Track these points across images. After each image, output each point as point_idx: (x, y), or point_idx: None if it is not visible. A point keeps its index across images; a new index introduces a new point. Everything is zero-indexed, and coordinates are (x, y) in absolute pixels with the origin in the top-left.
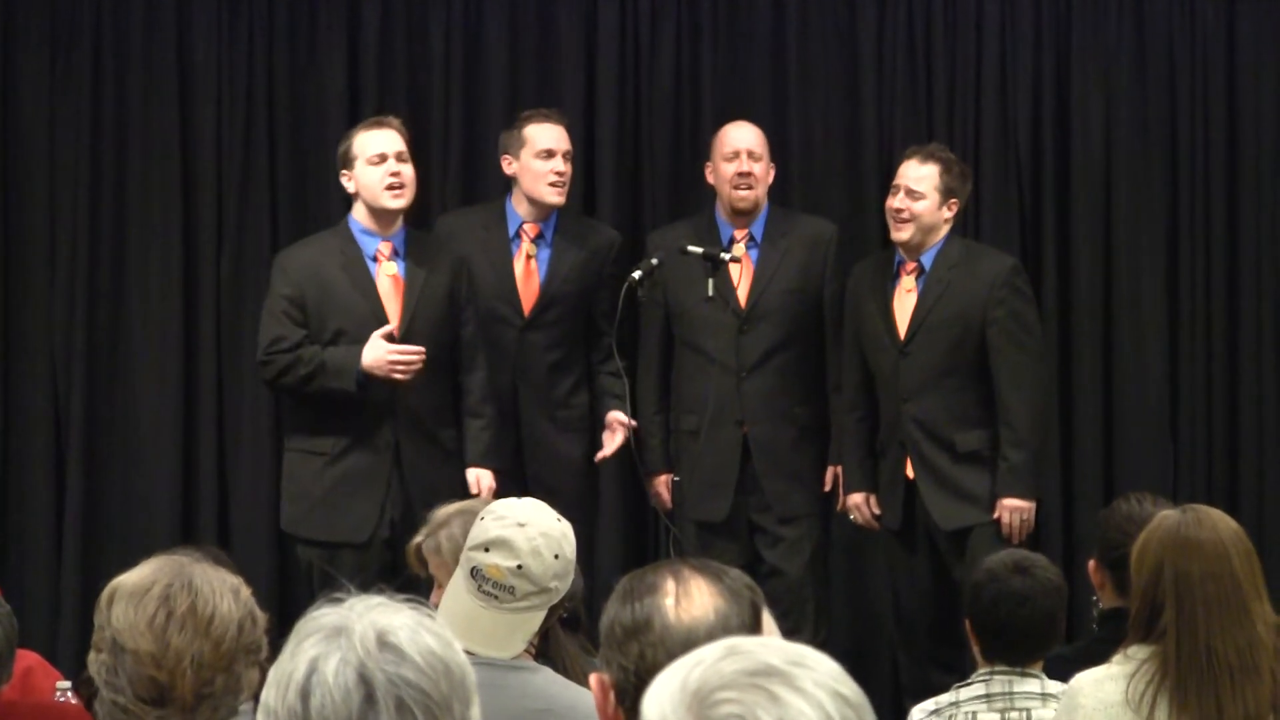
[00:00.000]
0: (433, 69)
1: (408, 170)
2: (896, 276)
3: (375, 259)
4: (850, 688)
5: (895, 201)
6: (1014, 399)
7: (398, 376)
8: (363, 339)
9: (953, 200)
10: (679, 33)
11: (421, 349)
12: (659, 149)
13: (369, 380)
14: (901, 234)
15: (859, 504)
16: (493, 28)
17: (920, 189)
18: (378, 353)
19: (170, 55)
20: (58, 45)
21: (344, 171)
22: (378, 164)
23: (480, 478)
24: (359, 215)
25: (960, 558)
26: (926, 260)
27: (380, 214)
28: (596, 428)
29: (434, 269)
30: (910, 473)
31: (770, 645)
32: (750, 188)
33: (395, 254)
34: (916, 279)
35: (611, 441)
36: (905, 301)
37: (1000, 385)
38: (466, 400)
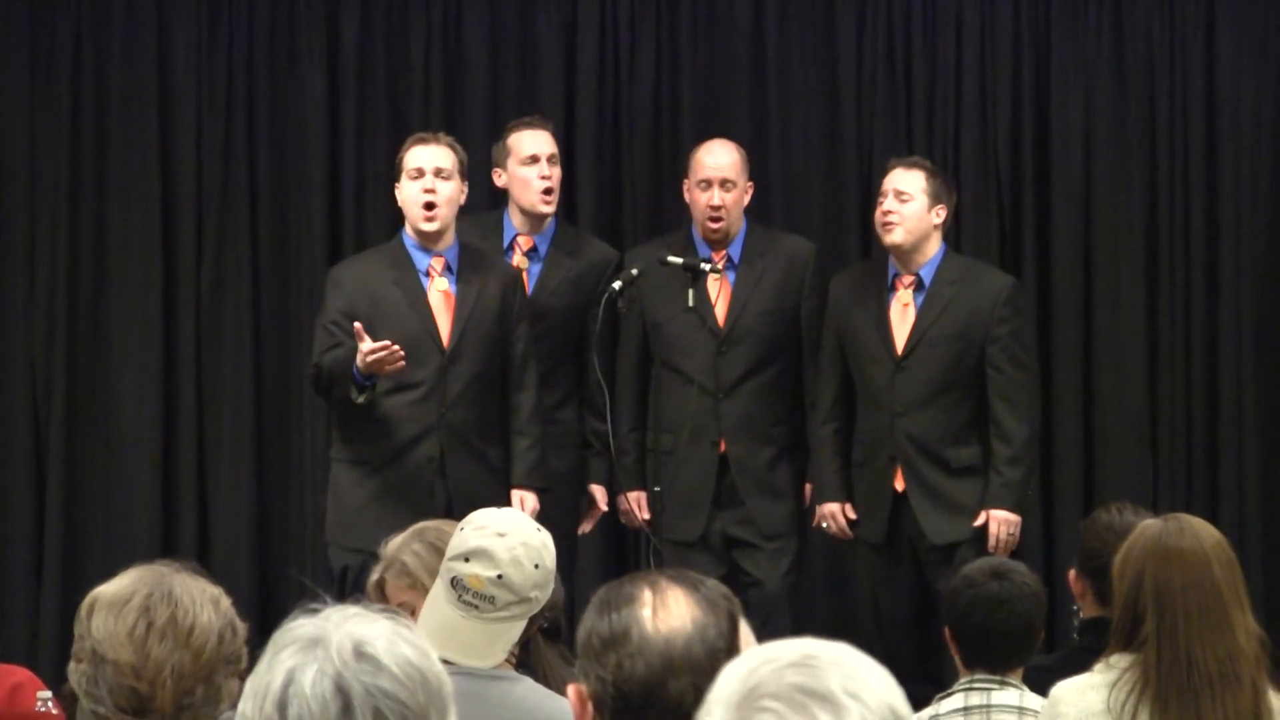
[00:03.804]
0: (412, 81)
1: (445, 187)
2: (892, 289)
3: (427, 274)
4: None
5: (884, 205)
6: (1011, 417)
7: (389, 369)
8: (416, 355)
9: (940, 206)
10: (658, 47)
11: (387, 343)
12: (639, 163)
13: (375, 385)
14: (891, 236)
15: (834, 513)
16: (472, 39)
17: (909, 190)
18: (359, 357)
19: (150, 65)
20: (37, 56)
21: (395, 185)
22: (416, 179)
23: (524, 499)
24: (409, 231)
25: (945, 571)
26: (926, 274)
27: (424, 233)
28: (584, 443)
29: (486, 285)
30: (900, 485)
31: (845, 665)
32: (721, 219)
33: (447, 269)
34: (914, 293)
35: (591, 518)
36: (903, 316)
37: (998, 403)
38: (514, 418)
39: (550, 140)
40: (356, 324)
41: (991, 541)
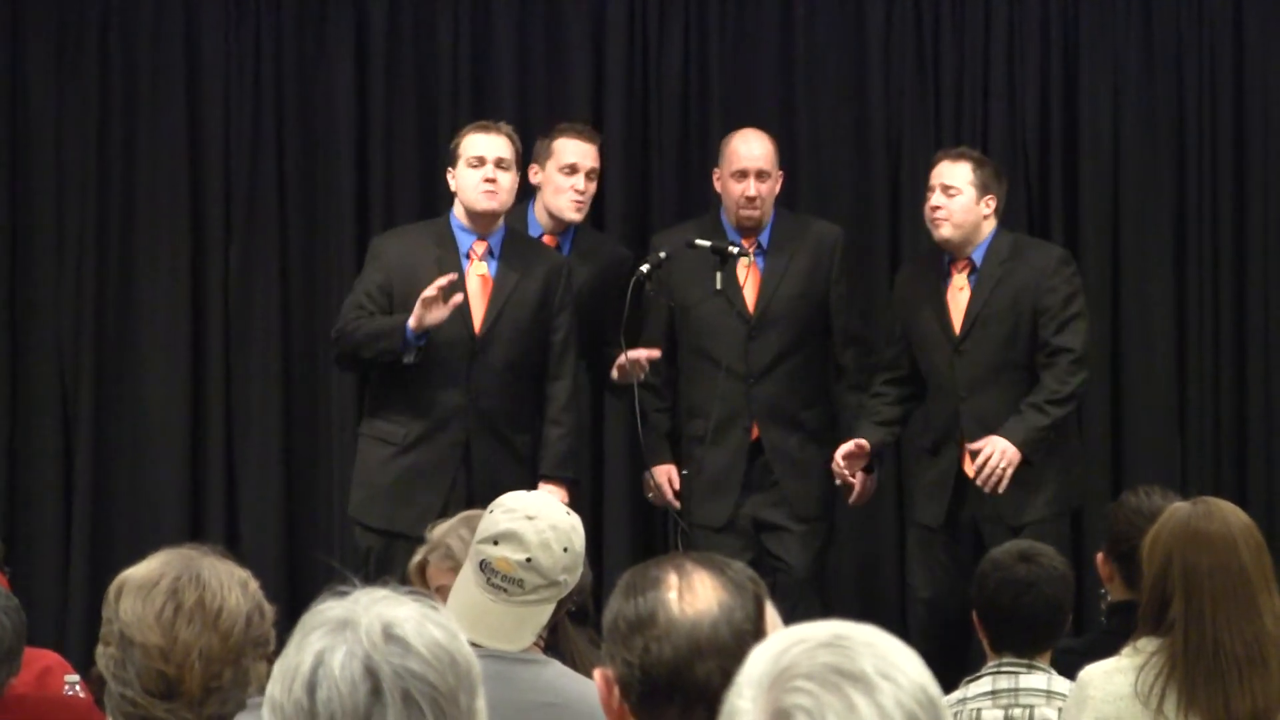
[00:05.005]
0: (441, 67)
1: (505, 177)
2: (948, 275)
3: (469, 257)
4: (931, 713)
5: (932, 200)
6: (1050, 377)
7: (440, 310)
8: (443, 335)
9: (989, 196)
10: (687, 35)
11: (451, 275)
12: (667, 150)
13: (426, 341)
14: (941, 231)
15: (852, 448)
16: (501, 26)
17: (956, 184)
18: (414, 314)
19: (178, 50)
20: (65, 39)
21: (449, 169)
22: (476, 167)
23: (552, 492)
24: (458, 212)
25: None
26: (977, 256)
27: (476, 215)
28: (597, 431)
29: (528, 272)
30: (970, 470)
31: (877, 646)
32: (755, 209)
33: (489, 254)
34: (968, 276)
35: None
36: (958, 299)
37: (1045, 371)
38: (549, 407)
39: (594, 154)
40: (448, 279)
41: (980, 459)
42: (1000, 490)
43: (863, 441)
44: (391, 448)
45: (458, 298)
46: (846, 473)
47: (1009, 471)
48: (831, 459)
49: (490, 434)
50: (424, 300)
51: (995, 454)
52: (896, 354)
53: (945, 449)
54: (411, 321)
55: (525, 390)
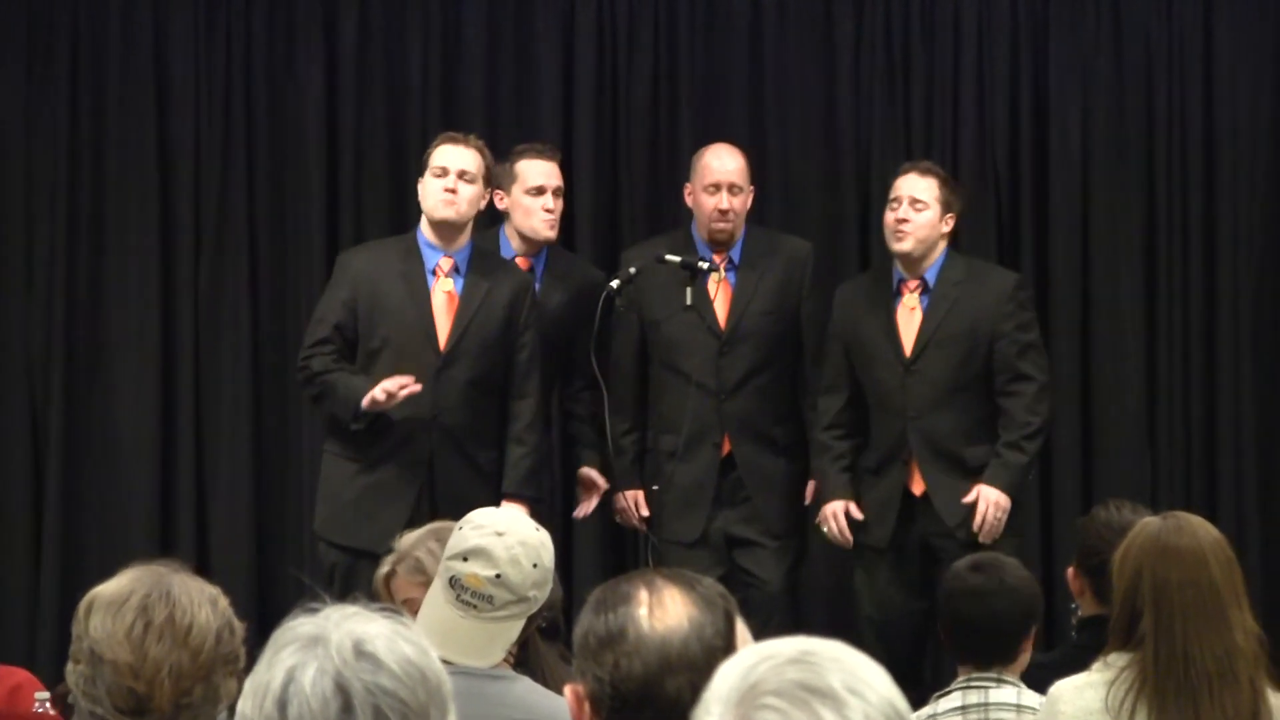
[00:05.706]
0: (410, 80)
1: (467, 189)
2: (898, 294)
3: (435, 273)
4: None
5: (898, 213)
6: (1019, 407)
7: (392, 401)
8: (408, 351)
9: (950, 214)
10: (656, 47)
11: (409, 378)
12: (637, 164)
13: (374, 417)
14: (904, 245)
15: (836, 512)
16: (470, 39)
17: (923, 198)
18: (369, 398)
19: (147, 64)
20: (35, 54)
21: (420, 180)
22: (439, 176)
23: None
24: (424, 227)
25: None
26: (930, 276)
27: (439, 227)
28: (567, 446)
29: (493, 290)
30: (917, 489)
31: (845, 662)
32: (728, 223)
33: (455, 270)
34: (920, 296)
35: (588, 503)
36: (910, 319)
37: (1006, 397)
38: (512, 425)
39: (557, 172)
40: (405, 387)
41: (977, 520)
42: (996, 538)
43: (854, 509)
44: (355, 464)
45: (416, 386)
46: (849, 537)
47: (1004, 517)
48: (803, 474)
49: (454, 450)
50: (373, 399)
51: (990, 508)
52: (835, 374)
53: (890, 468)
54: (365, 402)
55: (489, 407)
